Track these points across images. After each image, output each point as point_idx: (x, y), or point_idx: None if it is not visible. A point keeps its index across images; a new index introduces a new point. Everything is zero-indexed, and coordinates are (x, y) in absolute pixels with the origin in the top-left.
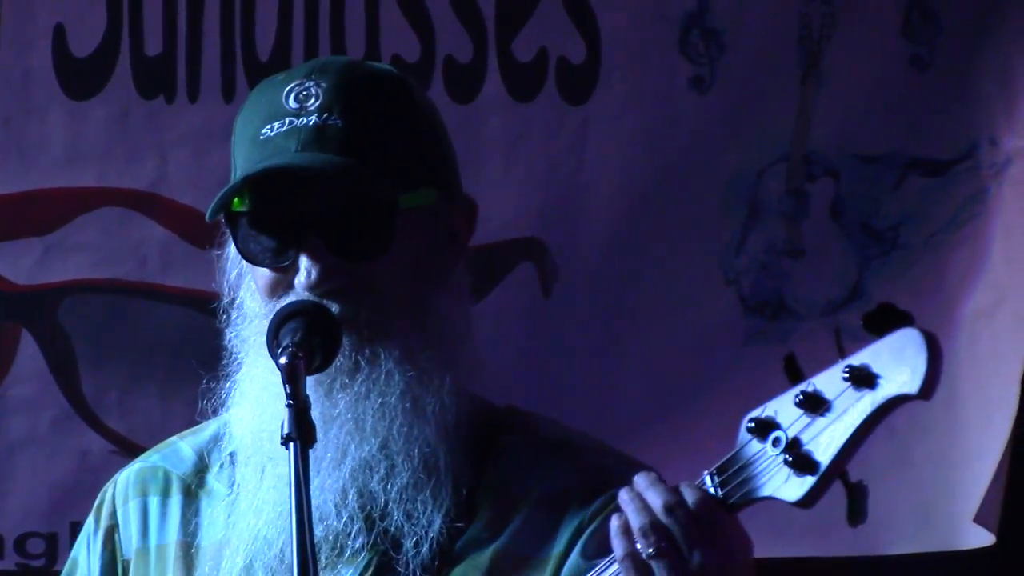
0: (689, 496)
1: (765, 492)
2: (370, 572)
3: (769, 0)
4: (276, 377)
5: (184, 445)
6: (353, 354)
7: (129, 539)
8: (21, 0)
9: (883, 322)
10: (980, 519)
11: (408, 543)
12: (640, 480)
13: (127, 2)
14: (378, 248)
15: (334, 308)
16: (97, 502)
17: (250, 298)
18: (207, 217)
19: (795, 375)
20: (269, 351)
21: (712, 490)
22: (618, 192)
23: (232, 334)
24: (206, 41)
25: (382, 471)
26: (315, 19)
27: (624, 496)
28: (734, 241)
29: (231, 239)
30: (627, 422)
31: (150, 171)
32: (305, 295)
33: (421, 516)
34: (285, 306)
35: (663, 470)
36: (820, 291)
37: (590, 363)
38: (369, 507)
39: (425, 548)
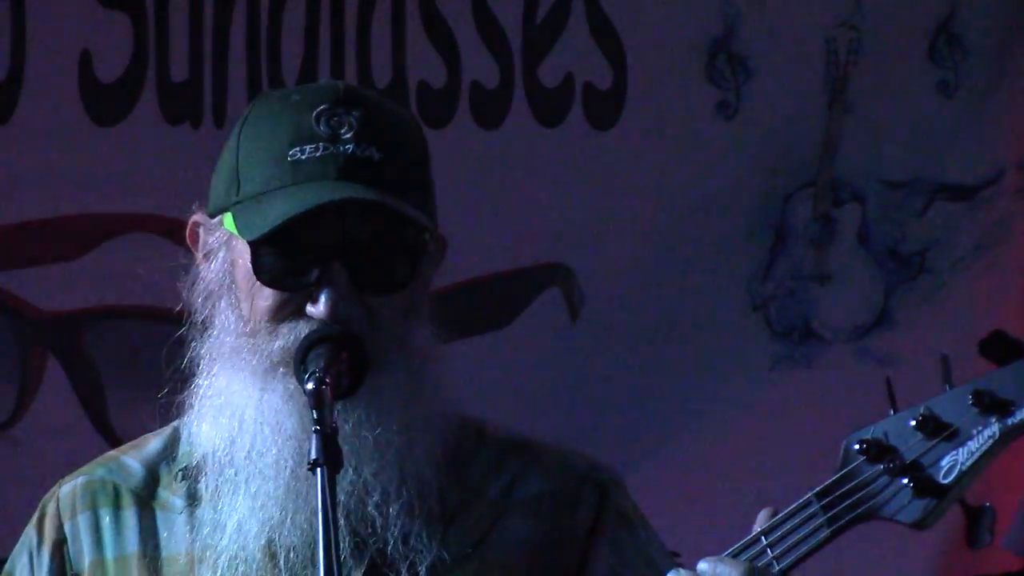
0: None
1: (882, 514)
2: None
3: (796, 26)
4: (262, 394)
5: (129, 459)
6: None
7: (80, 552)
8: (47, 26)
9: (999, 349)
10: (1008, 544)
11: (403, 566)
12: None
13: (153, 28)
14: (400, 284)
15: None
16: (38, 516)
17: (230, 313)
18: (251, 236)
19: (894, 399)
20: (296, 376)
21: (819, 509)
22: (644, 218)
23: (201, 347)
24: (232, 67)
25: (377, 497)
26: (341, 45)
27: None
28: (761, 266)
29: (223, 248)
30: (654, 446)
31: (177, 197)
32: (315, 322)
33: (413, 540)
34: (315, 331)
35: (688, 492)
36: (847, 316)
37: (617, 388)
38: (360, 529)
39: (422, 570)
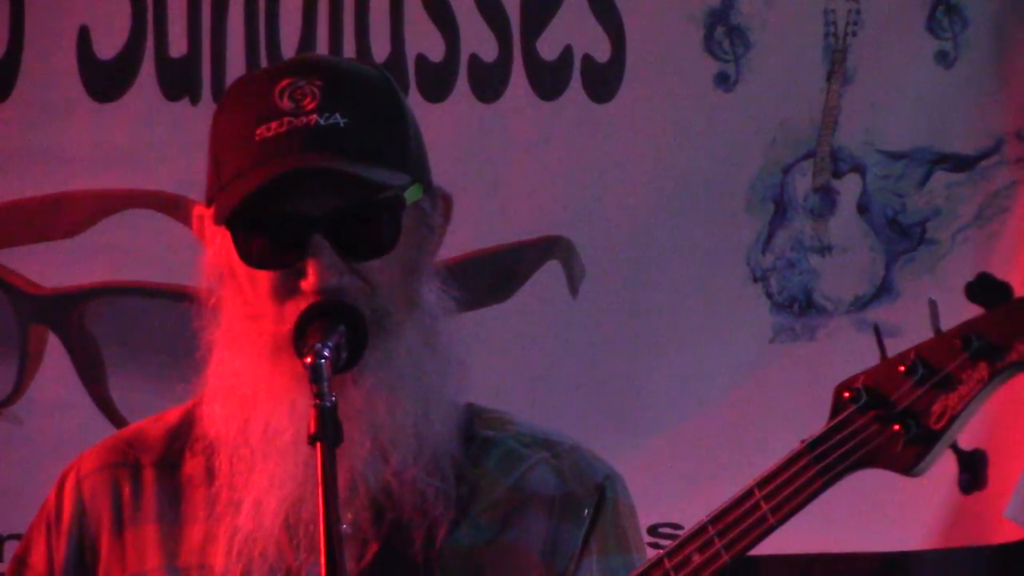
0: None
1: (874, 462)
2: (366, 562)
3: None
4: (273, 376)
5: (149, 433)
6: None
7: (99, 523)
8: (45, 2)
9: (986, 293)
10: (1011, 513)
11: (417, 534)
12: None
13: (151, 4)
14: (385, 247)
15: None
16: (57, 486)
17: (236, 298)
18: (222, 219)
19: (883, 347)
20: (295, 350)
21: (811, 460)
22: (644, 190)
23: (212, 332)
24: (231, 42)
25: (395, 463)
26: (339, 19)
27: None
28: (761, 238)
29: (218, 237)
30: (654, 419)
31: (176, 173)
32: (313, 297)
33: (431, 507)
34: (312, 306)
35: (690, 464)
36: (847, 287)
37: (617, 361)
38: (378, 498)
39: (435, 539)
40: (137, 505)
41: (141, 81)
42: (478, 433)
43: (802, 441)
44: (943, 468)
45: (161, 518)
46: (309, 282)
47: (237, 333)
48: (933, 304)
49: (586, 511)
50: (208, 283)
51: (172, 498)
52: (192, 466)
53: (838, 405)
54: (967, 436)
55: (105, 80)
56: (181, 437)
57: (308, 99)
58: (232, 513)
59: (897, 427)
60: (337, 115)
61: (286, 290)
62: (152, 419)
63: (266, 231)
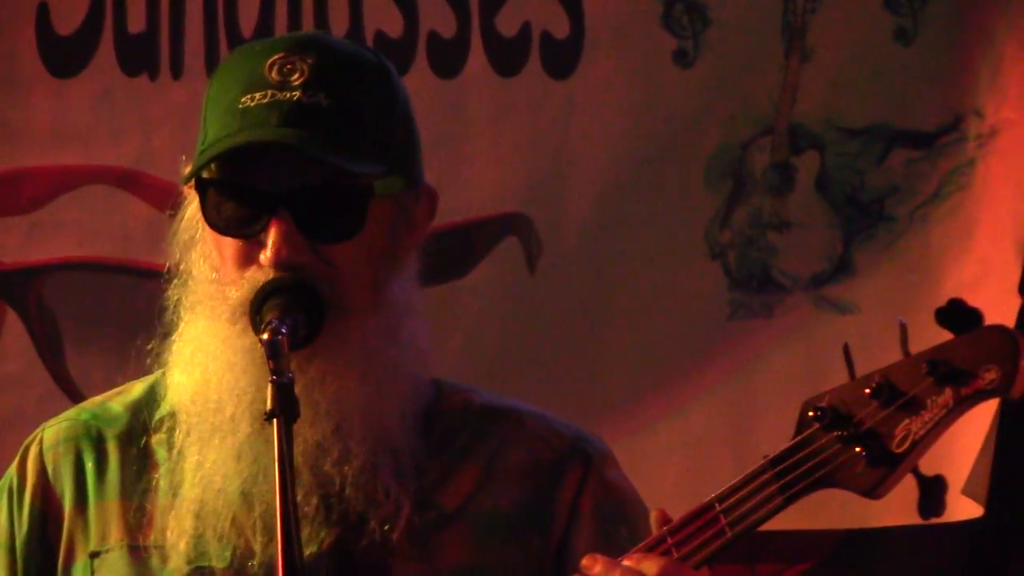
0: (649, 567)
1: (835, 482)
2: (326, 546)
3: None
4: (225, 345)
5: (114, 405)
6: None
7: (62, 494)
8: None
9: (957, 319)
10: (968, 491)
11: (371, 525)
12: (593, 566)
13: None
14: (348, 233)
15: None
16: (19, 457)
17: (202, 263)
18: (183, 181)
19: (852, 367)
20: (252, 326)
21: (772, 477)
22: (603, 166)
23: (175, 297)
24: (189, 18)
25: (335, 454)
26: None
27: None
28: (719, 214)
29: (192, 200)
30: (613, 396)
31: (134, 149)
32: (270, 270)
33: (384, 501)
34: (269, 282)
35: (649, 442)
36: (806, 264)
37: (575, 338)
38: (326, 489)
39: (390, 529)
40: (101, 479)
41: (100, 57)
42: (443, 413)
43: (765, 456)
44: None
45: (124, 493)
46: (267, 255)
47: (200, 297)
48: (903, 328)
49: (561, 472)
50: (179, 246)
51: (135, 472)
52: (155, 440)
53: (803, 423)
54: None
55: (64, 56)
56: (145, 410)
57: (297, 75)
58: (189, 488)
59: (859, 449)
60: (321, 95)
61: (246, 260)
62: (116, 392)
63: (233, 199)
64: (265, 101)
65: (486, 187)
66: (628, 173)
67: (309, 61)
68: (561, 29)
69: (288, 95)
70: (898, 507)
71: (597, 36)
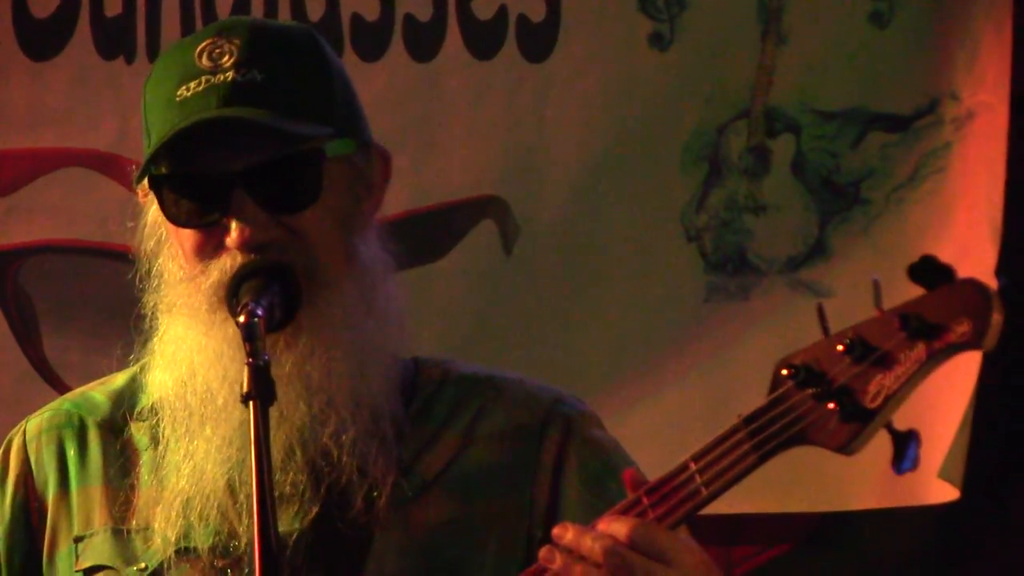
0: (620, 529)
1: (808, 439)
2: (309, 520)
3: None
4: (209, 336)
5: (96, 394)
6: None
7: (45, 483)
8: None
9: (928, 274)
10: (944, 474)
11: (359, 495)
12: (564, 534)
13: None
14: (308, 198)
15: (270, 257)
16: (3, 449)
17: (171, 264)
18: (133, 183)
19: (826, 326)
20: (228, 309)
21: (746, 435)
22: (579, 150)
23: (151, 302)
24: (166, 2)
25: (332, 426)
26: None
27: (553, 555)
28: (695, 198)
29: (152, 204)
30: (589, 379)
31: (111, 132)
32: (238, 252)
33: (371, 468)
34: (243, 266)
35: (626, 426)
36: (782, 247)
37: (552, 321)
38: (317, 461)
39: (377, 498)
40: (83, 466)
41: (76, 40)
42: (422, 386)
43: (739, 416)
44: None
45: (107, 480)
46: (232, 238)
47: (175, 297)
48: (877, 284)
49: (542, 436)
50: (147, 249)
51: (118, 460)
52: (137, 429)
53: (777, 381)
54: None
55: (41, 39)
56: (126, 402)
57: (226, 57)
58: (175, 477)
59: (832, 405)
60: (255, 71)
61: (212, 247)
62: (97, 383)
63: (188, 189)
64: (200, 88)
65: (462, 170)
66: (604, 156)
67: (237, 42)
68: (537, 12)
69: (222, 77)
70: (874, 491)
71: (573, 19)
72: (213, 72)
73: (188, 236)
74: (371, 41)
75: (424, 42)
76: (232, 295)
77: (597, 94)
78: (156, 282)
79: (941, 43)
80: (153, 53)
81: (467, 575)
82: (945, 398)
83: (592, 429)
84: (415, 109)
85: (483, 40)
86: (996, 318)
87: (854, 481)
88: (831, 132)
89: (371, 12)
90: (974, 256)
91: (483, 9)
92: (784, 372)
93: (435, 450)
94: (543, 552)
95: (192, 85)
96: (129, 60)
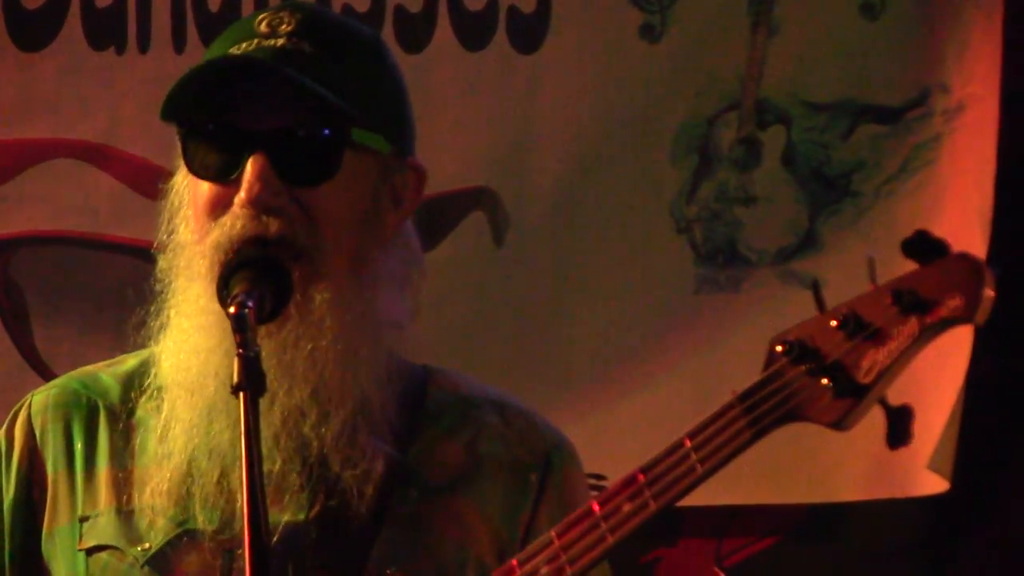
0: None
1: (802, 415)
2: (313, 513)
3: None
4: (204, 311)
5: (105, 375)
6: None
7: (49, 459)
8: None
9: (923, 249)
10: (934, 466)
11: (350, 488)
12: None
13: None
14: (323, 175)
15: (273, 227)
16: (8, 422)
17: (183, 227)
18: (160, 113)
19: (822, 302)
20: (219, 301)
21: (741, 412)
22: (569, 141)
23: (165, 264)
24: None
25: (314, 417)
26: None
27: None
28: (685, 189)
29: (180, 169)
30: (579, 370)
31: (101, 122)
32: (243, 212)
33: (361, 462)
34: (235, 256)
35: (616, 416)
36: (772, 239)
37: (542, 312)
38: (306, 453)
39: (366, 490)
40: (90, 447)
41: (67, 31)
42: (431, 394)
43: (733, 392)
44: (868, 420)
45: (113, 461)
46: (241, 196)
47: (183, 261)
48: (871, 261)
49: (533, 477)
50: (168, 215)
51: (125, 441)
52: (145, 410)
53: (771, 358)
54: (892, 391)
55: (31, 29)
56: (137, 382)
57: (284, 26)
58: (173, 452)
59: (826, 380)
60: (305, 43)
61: (222, 205)
62: (106, 364)
63: (212, 141)
64: (251, 48)
65: (453, 161)
66: (594, 148)
67: (298, 16)
68: (528, 3)
69: (273, 42)
70: (863, 482)
71: (564, 11)
72: (267, 36)
73: (204, 191)
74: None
75: (414, 33)
76: (224, 284)
77: (588, 85)
78: (172, 246)
79: (932, 35)
80: (144, 44)
81: None
82: (935, 389)
83: (573, 485)
84: None
85: (473, 31)
86: (988, 293)
87: (843, 473)
88: (822, 124)
89: (361, 3)
90: (964, 247)
91: (474, 0)
92: (779, 348)
93: (439, 458)
94: None
95: (244, 45)
96: (119, 51)
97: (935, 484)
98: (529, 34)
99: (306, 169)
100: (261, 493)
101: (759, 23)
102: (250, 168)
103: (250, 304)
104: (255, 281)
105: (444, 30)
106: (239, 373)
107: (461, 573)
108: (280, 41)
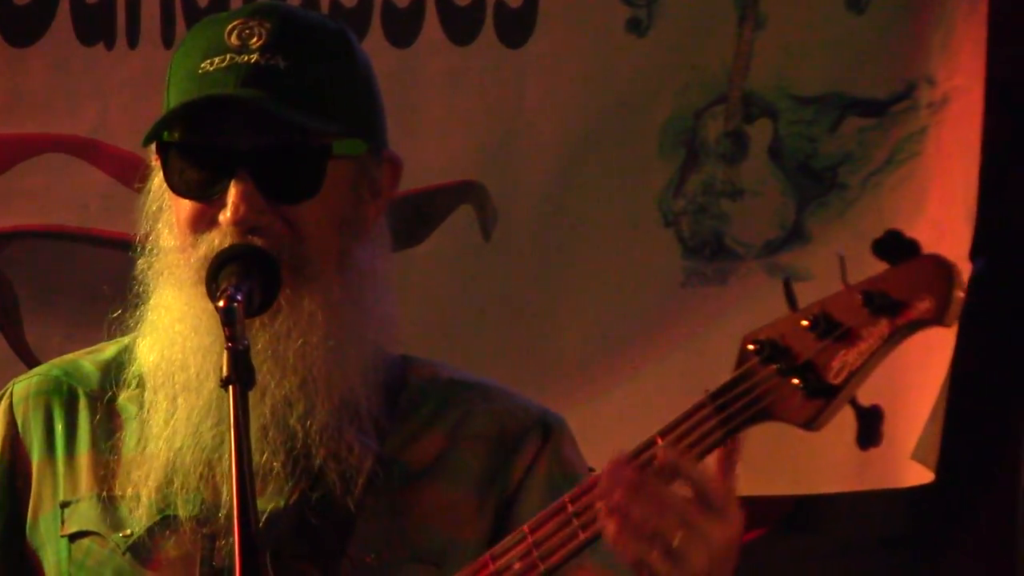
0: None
1: (773, 415)
2: (293, 501)
3: None
4: (189, 307)
5: (86, 363)
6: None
7: (31, 447)
8: None
9: (894, 249)
10: (918, 457)
11: (334, 480)
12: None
13: None
14: (307, 192)
15: (259, 244)
16: None
17: (167, 232)
18: (143, 143)
19: (793, 300)
20: (208, 294)
21: (712, 411)
22: (557, 135)
23: (144, 265)
24: None
25: (301, 409)
26: None
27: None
28: (673, 182)
29: (158, 171)
30: (567, 363)
31: (91, 117)
32: (230, 230)
33: (347, 456)
34: (224, 249)
35: (604, 408)
36: (759, 231)
37: (530, 304)
38: (291, 444)
39: (353, 487)
40: (71, 433)
41: (57, 26)
42: (412, 382)
43: (706, 391)
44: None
45: (94, 447)
46: (226, 215)
47: (166, 265)
48: (842, 260)
49: (527, 438)
50: (147, 218)
51: (105, 427)
52: (125, 398)
53: (743, 356)
54: (874, 383)
55: (21, 25)
56: (116, 370)
57: (255, 39)
58: (156, 444)
59: (797, 381)
60: (279, 57)
61: (206, 222)
62: (87, 351)
63: (193, 161)
64: (224, 65)
65: (441, 155)
66: (582, 141)
67: (268, 26)
68: None
69: (246, 58)
70: (848, 474)
71: (551, 5)
72: (239, 52)
73: (185, 207)
74: (350, 27)
75: (402, 28)
76: (212, 278)
77: (575, 79)
78: (152, 248)
79: (917, 28)
80: (133, 39)
81: (448, 564)
82: (919, 381)
83: (567, 448)
84: (394, 94)
85: (461, 26)
86: (957, 295)
87: (828, 465)
88: (808, 117)
89: None
90: (949, 239)
91: None
92: (750, 347)
93: (421, 445)
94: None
95: (216, 60)
96: (109, 46)
97: (920, 475)
98: (516, 29)
99: (290, 187)
100: (251, 488)
101: (746, 17)
102: (234, 189)
103: (239, 298)
104: (243, 275)
105: (432, 25)
106: (228, 366)
107: (439, 557)
108: (253, 57)
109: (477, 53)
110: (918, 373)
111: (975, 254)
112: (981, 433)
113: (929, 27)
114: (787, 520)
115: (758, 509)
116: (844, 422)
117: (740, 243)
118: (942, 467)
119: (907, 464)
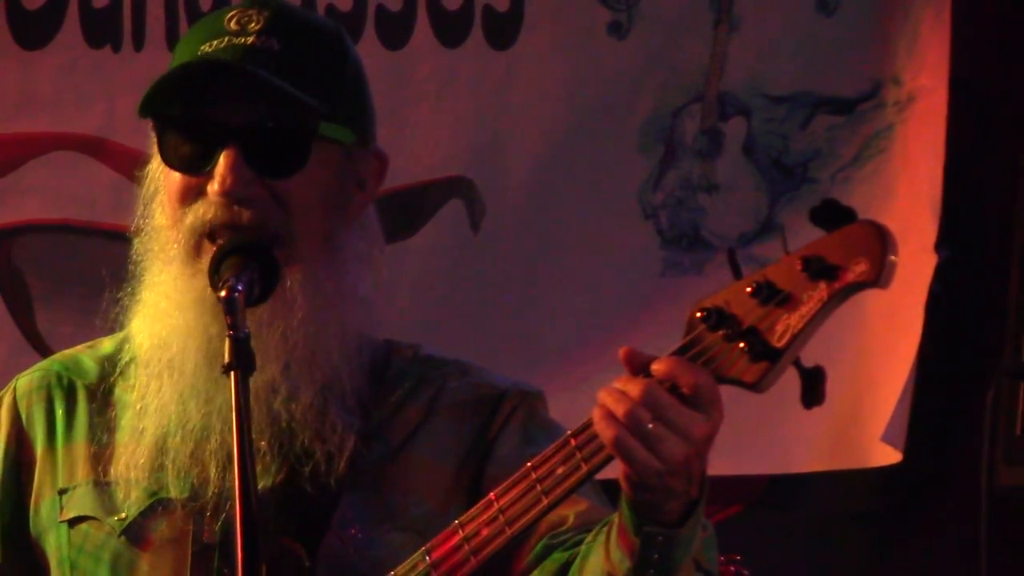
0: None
1: (721, 378)
2: (278, 480)
3: None
4: (175, 285)
5: (85, 358)
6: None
7: (34, 439)
8: None
9: (830, 217)
10: (888, 438)
11: (318, 458)
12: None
13: None
14: (293, 167)
15: (245, 216)
16: None
17: (159, 212)
18: (138, 111)
19: (738, 269)
20: (211, 285)
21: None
22: (542, 132)
23: (140, 247)
24: None
25: (284, 392)
26: None
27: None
28: (652, 178)
29: (156, 155)
30: (551, 351)
31: (99, 117)
32: (217, 200)
33: (331, 435)
34: (227, 242)
35: (586, 397)
36: (733, 224)
37: (516, 294)
38: (276, 426)
39: (337, 464)
40: (70, 424)
41: (66, 30)
42: (393, 362)
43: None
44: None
45: (91, 436)
46: (214, 187)
47: (158, 244)
48: (782, 229)
49: (501, 403)
50: (144, 200)
51: (102, 419)
52: (123, 388)
53: (691, 324)
54: (845, 369)
55: (31, 29)
56: (114, 364)
57: (253, 23)
58: (147, 423)
59: (742, 344)
60: (274, 40)
61: (194, 194)
62: (86, 345)
63: (186, 134)
64: (222, 45)
65: (432, 152)
66: (566, 138)
67: (265, 13)
68: (502, 2)
69: (243, 40)
70: (821, 454)
71: (536, 9)
72: (237, 35)
73: (176, 181)
74: (345, 31)
75: (395, 31)
76: (215, 269)
77: (559, 80)
78: (147, 230)
79: (884, 30)
80: (139, 42)
81: (431, 530)
82: (888, 367)
83: (542, 410)
84: (386, 95)
85: (451, 29)
86: (891, 258)
87: (802, 445)
88: (780, 115)
89: (344, 2)
90: (915, 231)
91: (451, 0)
92: (698, 315)
93: (401, 418)
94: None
95: (215, 43)
96: (116, 49)
97: (889, 455)
98: (503, 32)
99: (277, 161)
100: (252, 470)
101: (720, 20)
102: (223, 160)
103: (240, 288)
104: (244, 266)
105: (423, 28)
106: (230, 353)
107: (420, 525)
108: (250, 39)
109: (466, 55)
110: (887, 358)
111: (940, 245)
112: (947, 416)
113: (896, 29)
114: (762, 498)
115: (734, 487)
116: (817, 410)
117: (716, 235)
118: (910, 448)
119: (877, 445)
